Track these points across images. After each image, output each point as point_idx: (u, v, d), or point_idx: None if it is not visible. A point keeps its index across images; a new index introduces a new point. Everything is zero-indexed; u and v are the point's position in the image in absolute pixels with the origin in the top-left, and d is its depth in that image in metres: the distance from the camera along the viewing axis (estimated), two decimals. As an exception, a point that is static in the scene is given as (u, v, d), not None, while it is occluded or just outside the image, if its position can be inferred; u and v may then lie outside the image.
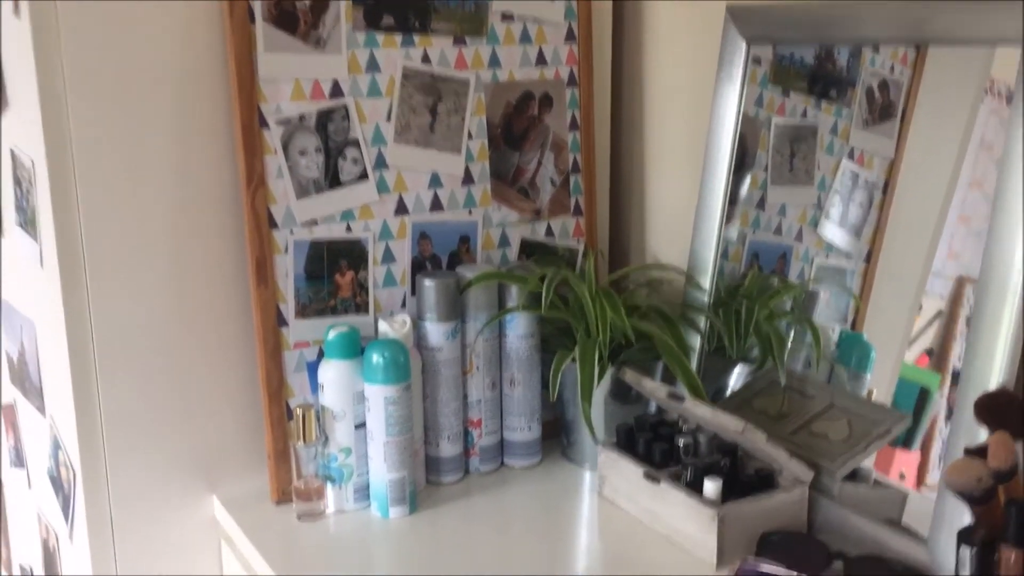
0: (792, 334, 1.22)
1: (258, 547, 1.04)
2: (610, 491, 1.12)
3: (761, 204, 1.25)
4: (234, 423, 1.15)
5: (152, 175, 1.06)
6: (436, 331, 1.13)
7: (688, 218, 1.29)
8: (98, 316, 1.06)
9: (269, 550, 1.04)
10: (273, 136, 1.07)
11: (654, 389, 1.08)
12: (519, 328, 1.18)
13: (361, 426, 1.09)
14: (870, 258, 1.17)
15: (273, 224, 1.09)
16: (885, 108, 1.13)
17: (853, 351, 1.17)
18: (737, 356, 1.21)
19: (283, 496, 1.13)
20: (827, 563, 0.94)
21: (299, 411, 1.07)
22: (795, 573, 0.91)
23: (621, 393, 1.18)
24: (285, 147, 1.08)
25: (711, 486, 1.01)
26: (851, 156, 1.18)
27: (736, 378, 1.25)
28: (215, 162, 1.08)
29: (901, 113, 1.11)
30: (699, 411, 1.02)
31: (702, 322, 1.20)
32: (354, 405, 1.08)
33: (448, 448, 1.17)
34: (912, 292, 1.10)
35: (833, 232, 1.20)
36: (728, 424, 0.98)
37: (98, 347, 1.06)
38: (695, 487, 1.02)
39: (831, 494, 1.04)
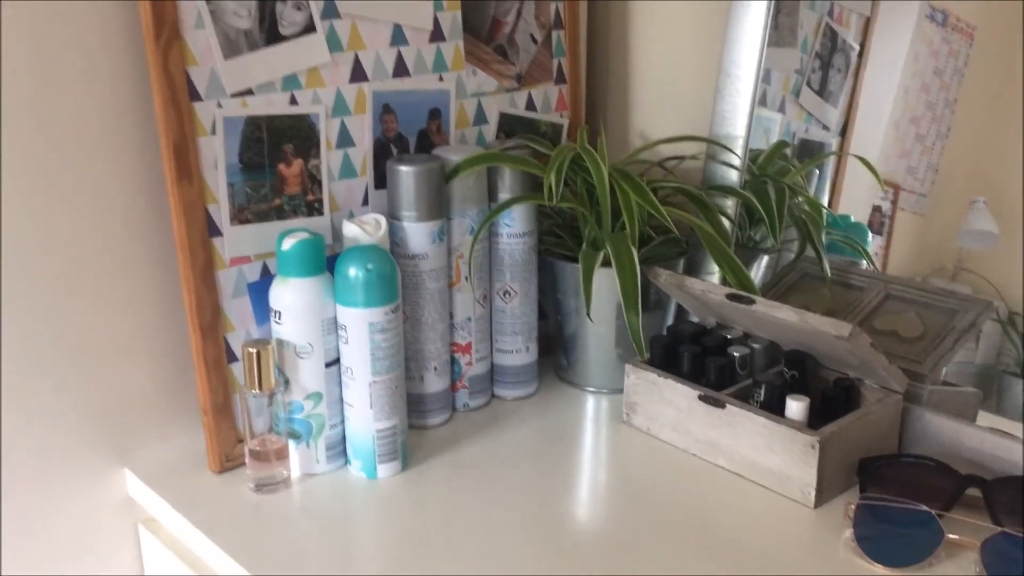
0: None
1: (203, 529, 0.77)
2: (643, 420, 0.91)
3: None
4: (151, 370, 0.85)
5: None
6: (418, 233, 0.87)
7: (682, 89, 1.07)
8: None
9: (221, 533, 0.76)
10: (187, -31, 0.77)
11: (706, 291, 0.86)
12: (516, 225, 0.93)
13: (333, 363, 0.82)
14: (845, 131, 1.09)
15: (195, 95, 0.78)
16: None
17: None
18: (772, 246, 1.01)
19: (227, 463, 0.85)
20: (959, 491, 0.76)
21: (251, 351, 0.78)
22: (931, 510, 0.73)
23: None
24: (204, -15, 0.77)
25: (796, 406, 0.81)
26: (830, 13, 1.08)
27: (759, 273, 1.05)
28: (110, 7, 0.76)
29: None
30: (780, 314, 0.81)
31: (729, 207, 0.99)
32: (323, 336, 0.81)
33: (435, 382, 0.91)
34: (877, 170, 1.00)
35: (813, 101, 1.09)
36: (828, 328, 0.77)
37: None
38: (772, 409, 0.82)
39: (920, 402, 0.86)
